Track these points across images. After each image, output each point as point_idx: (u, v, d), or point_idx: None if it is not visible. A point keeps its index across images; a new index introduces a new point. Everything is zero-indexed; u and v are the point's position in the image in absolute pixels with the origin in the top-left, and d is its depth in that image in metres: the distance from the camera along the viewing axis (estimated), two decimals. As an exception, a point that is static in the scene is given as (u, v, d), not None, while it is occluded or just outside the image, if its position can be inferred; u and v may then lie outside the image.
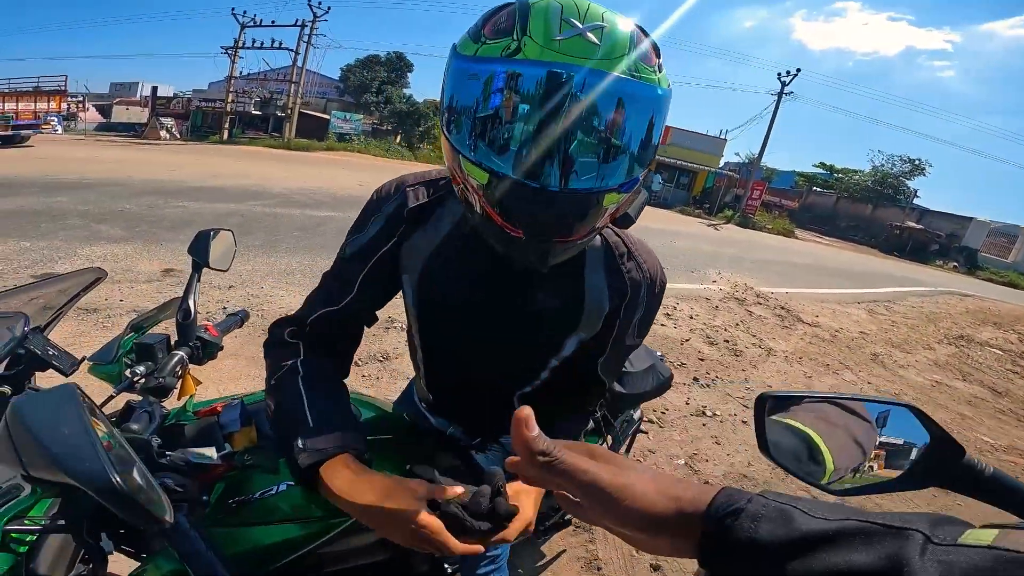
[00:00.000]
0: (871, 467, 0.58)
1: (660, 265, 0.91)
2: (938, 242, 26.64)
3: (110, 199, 7.15)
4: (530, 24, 0.61)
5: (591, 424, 1.09)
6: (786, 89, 23.62)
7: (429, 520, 0.63)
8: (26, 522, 0.65)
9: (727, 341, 5.05)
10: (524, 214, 0.66)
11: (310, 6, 23.25)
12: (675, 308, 5.79)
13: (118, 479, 0.52)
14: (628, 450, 1.90)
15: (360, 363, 3.29)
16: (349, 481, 0.69)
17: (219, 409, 0.92)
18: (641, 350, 1.67)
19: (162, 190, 8.26)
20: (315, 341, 0.87)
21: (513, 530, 0.67)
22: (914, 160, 31.26)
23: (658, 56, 0.67)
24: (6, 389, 0.89)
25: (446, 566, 1.14)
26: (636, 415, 1.78)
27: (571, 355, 0.92)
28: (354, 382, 2.33)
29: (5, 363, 0.85)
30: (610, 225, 0.79)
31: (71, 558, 0.71)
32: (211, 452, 0.82)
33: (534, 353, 0.92)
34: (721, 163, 29.61)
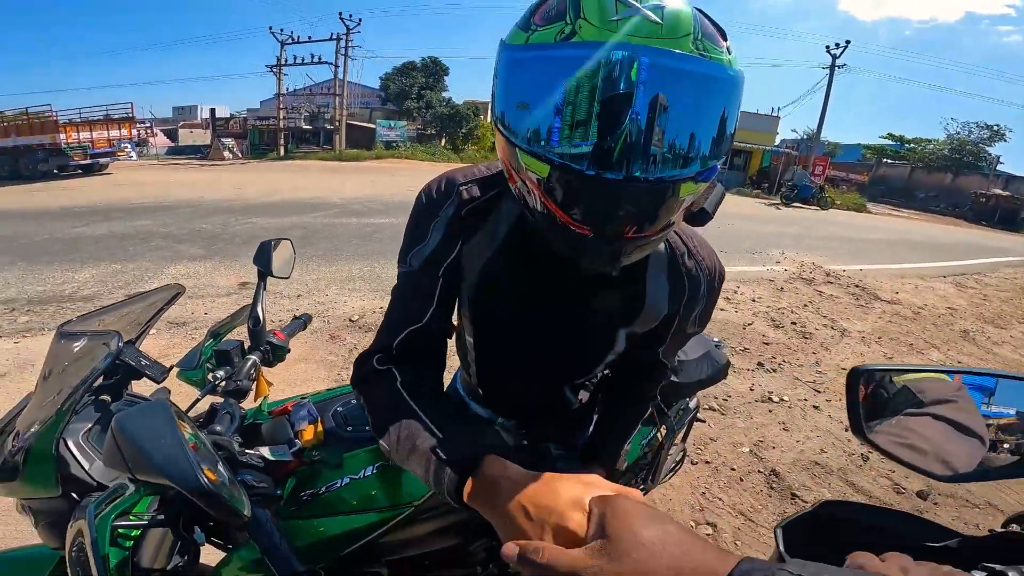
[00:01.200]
0: (987, 449, 0.53)
1: (718, 258, 0.87)
2: (1029, 207, 24.19)
3: (187, 220, 7.72)
4: (583, 5, 0.57)
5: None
6: (838, 62, 22.31)
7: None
8: (131, 518, 0.71)
9: (794, 323, 4.80)
10: (592, 208, 0.59)
11: (342, 19, 24.13)
12: (736, 292, 5.57)
13: (205, 480, 0.60)
14: (685, 438, 1.86)
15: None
16: (505, 483, 0.56)
17: (290, 408, 1.00)
18: (696, 340, 1.62)
19: (231, 208, 8.82)
20: (407, 363, 0.78)
21: None
22: (992, 126, 29.39)
23: (725, 39, 0.61)
24: (106, 397, 1.01)
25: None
26: (692, 404, 1.73)
27: (624, 350, 0.90)
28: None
29: (104, 374, 0.96)
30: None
31: (169, 551, 0.78)
32: (284, 449, 0.90)
33: (589, 351, 0.90)
34: (777, 140, 28.19)
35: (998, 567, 0.47)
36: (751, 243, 8.83)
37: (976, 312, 6.03)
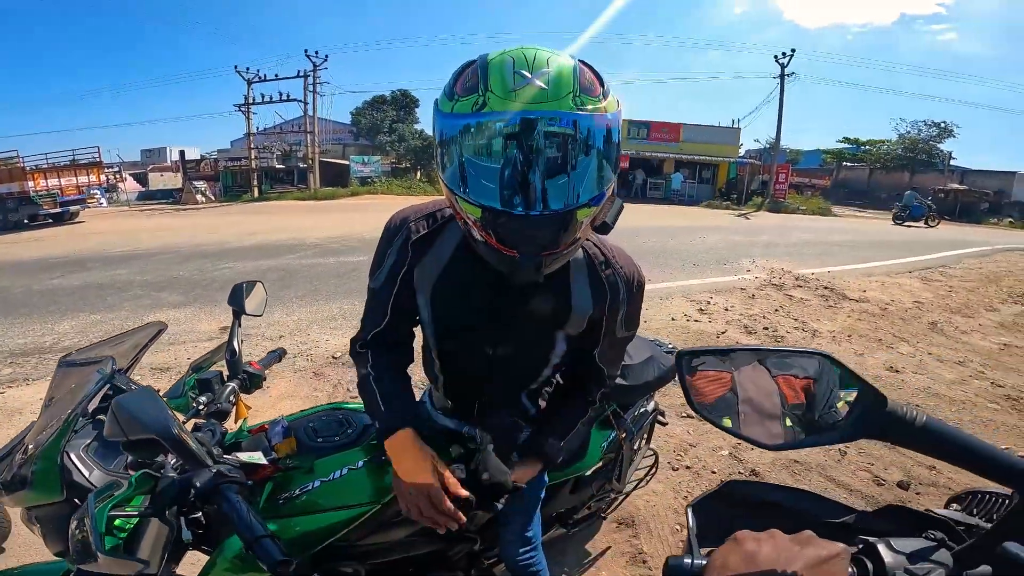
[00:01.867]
0: (801, 419, 0.58)
1: (637, 267, 1.04)
2: (987, 200, 25.31)
3: (164, 267, 7.66)
4: (490, 80, 0.74)
5: (591, 413, 1.18)
6: (787, 70, 23.26)
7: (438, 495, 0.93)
8: (127, 508, 0.84)
9: (767, 328, 4.96)
10: (514, 237, 0.78)
11: (308, 56, 23.96)
12: (709, 303, 5.73)
13: (177, 431, 0.81)
14: (649, 440, 1.92)
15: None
16: (397, 453, 0.98)
17: (266, 427, 1.15)
18: (639, 342, 1.73)
19: (208, 253, 8.77)
20: (376, 348, 1.09)
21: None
22: (939, 123, 30.71)
23: (601, 84, 0.78)
24: (103, 418, 1.14)
25: (483, 560, 1.25)
26: (650, 406, 1.81)
27: (565, 352, 1.07)
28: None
29: (100, 397, 1.12)
30: (589, 237, 0.94)
31: (162, 550, 0.88)
32: (258, 455, 1.03)
33: (532, 352, 1.06)
34: (741, 152, 29.11)
35: (872, 539, 0.53)
36: (722, 254, 9.08)
37: (942, 304, 6.26)
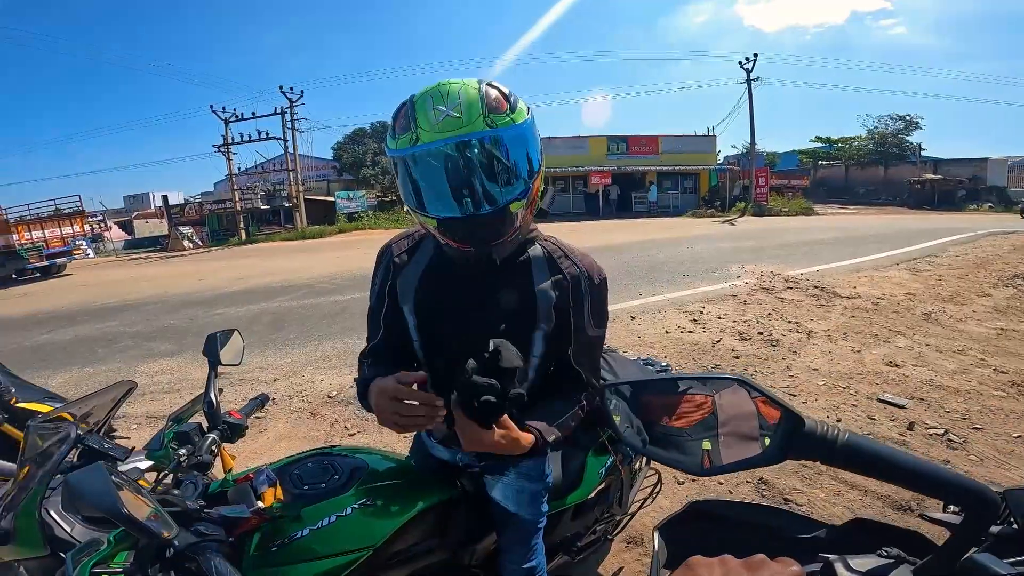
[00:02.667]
0: (727, 444, 0.58)
1: (596, 263, 1.12)
2: (963, 187, 25.87)
3: (154, 317, 7.59)
4: (418, 118, 0.91)
5: (576, 420, 1.16)
6: (752, 75, 23.86)
7: (397, 388, 0.95)
8: (111, 565, 0.83)
9: (761, 333, 4.97)
10: (465, 235, 0.96)
11: (283, 93, 23.91)
12: (702, 312, 5.75)
13: (126, 509, 0.76)
14: (649, 462, 1.91)
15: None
16: (373, 395, 0.99)
17: (251, 476, 1.13)
18: (632, 367, 1.73)
19: (198, 301, 8.70)
20: (376, 359, 1.19)
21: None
22: (904, 116, 31.47)
23: (507, 99, 0.94)
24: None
25: None
26: None
27: (544, 353, 1.11)
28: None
29: (77, 456, 1.15)
30: (548, 237, 1.12)
31: None
32: (241, 507, 1.01)
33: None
34: (720, 159, 29.61)
35: (831, 557, 0.52)
36: (711, 262, 9.17)
37: (934, 293, 6.31)
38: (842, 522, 0.73)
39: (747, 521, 0.78)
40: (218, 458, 1.23)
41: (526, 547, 1.23)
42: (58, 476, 1.08)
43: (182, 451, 1.14)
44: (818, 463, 0.53)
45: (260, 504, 1.04)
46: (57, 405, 2.24)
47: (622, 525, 1.90)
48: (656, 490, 1.97)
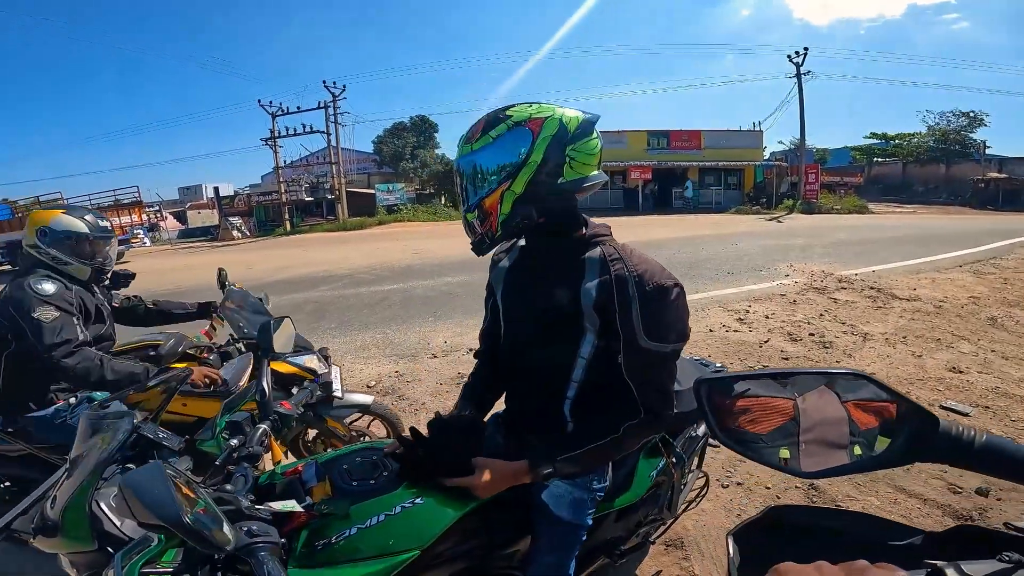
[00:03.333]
0: (842, 445, 0.54)
1: (659, 271, 1.07)
2: (1032, 187, 24.12)
3: (201, 305, 7.89)
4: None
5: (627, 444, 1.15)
6: (803, 69, 22.79)
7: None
8: (158, 566, 0.83)
9: (812, 335, 4.74)
10: (465, 227, 1.17)
11: (326, 87, 24.45)
12: (748, 311, 5.55)
13: (187, 519, 0.73)
14: (700, 464, 1.84)
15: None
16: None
17: (300, 469, 1.13)
18: (687, 366, 1.64)
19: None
20: (481, 356, 1.42)
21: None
22: (968, 113, 29.77)
23: (505, 120, 1.06)
24: (132, 466, 1.17)
25: None
26: (700, 430, 1.72)
27: (593, 355, 1.12)
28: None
29: (130, 445, 1.15)
30: (615, 243, 1.13)
31: None
32: (292, 503, 1.00)
33: (559, 344, 1.14)
34: (766, 154, 28.60)
35: (939, 563, 0.48)
36: (757, 260, 8.84)
37: (999, 297, 5.92)
38: (942, 529, 0.66)
39: (832, 528, 0.71)
40: (267, 451, 1.21)
41: (560, 554, 1.18)
42: (110, 467, 1.09)
43: (234, 441, 1.14)
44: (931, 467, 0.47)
45: (309, 500, 1.03)
46: (302, 358, 2.33)
47: (665, 527, 1.83)
48: (703, 493, 1.89)
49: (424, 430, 1.18)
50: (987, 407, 3.28)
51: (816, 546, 0.50)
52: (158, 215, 24.23)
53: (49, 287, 1.90)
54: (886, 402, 0.52)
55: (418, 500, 1.07)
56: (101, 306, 2.15)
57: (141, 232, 18.26)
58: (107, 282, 2.34)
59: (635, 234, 12.46)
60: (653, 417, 1.09)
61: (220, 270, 2.86)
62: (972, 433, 0.48)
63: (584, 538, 1.21)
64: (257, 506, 0.96)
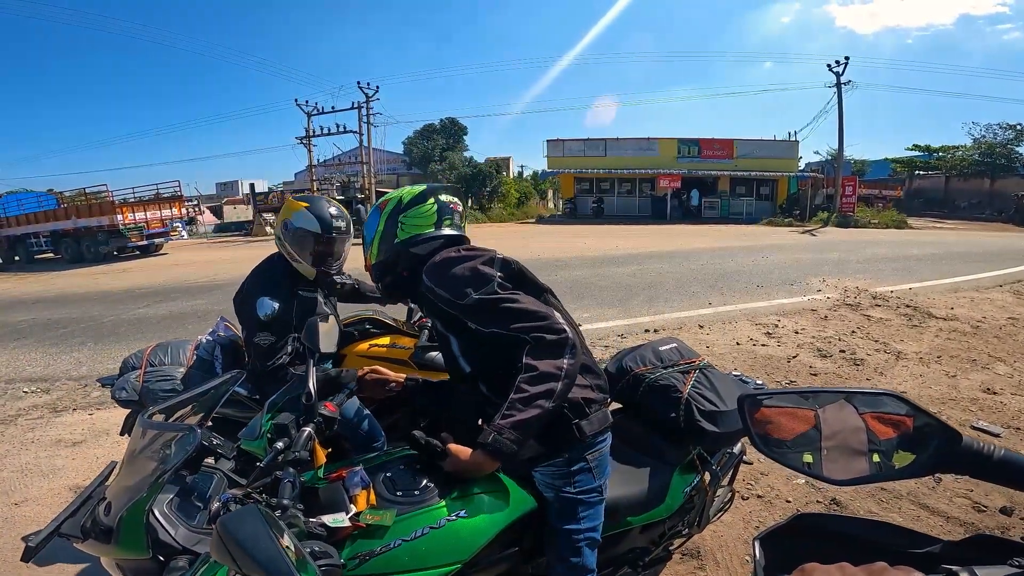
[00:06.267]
0: (872, 456, 0.58)
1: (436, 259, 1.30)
2: (1080, 204, 22.90)
3: (236, 298, 8.15)
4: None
5: (685, 459, 1.27)
6: (844, 78, 22.15)
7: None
8: None
9: (843, 351, 4.66)
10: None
11: (360, 88, 24.87)
12: (777, 325, 5.47)
13: (291, 567, 0.71)
14: (732, 481, 1.85)
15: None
16: None
17: (344, 474, 1.10)
18: (731, 384, 1.65)
19: (276, 283, 9.26)
20: None
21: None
22: (1015, 125, 28.52)
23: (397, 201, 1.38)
24: (183, 472, 1.16)
25: None
26: (736, 449, 1.73)
27: (460, 345, 1.31)
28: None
29: (194, 450, 1.11)
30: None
31: None
32: (342, 516, 0.99)
33: (444, 348, 1.38)
34: (801, 165, 27.89)
35: (956, 568, 0.50)
36: (788, 274, 8.67)
37: (1041, 320, 5.68)
38: (959, 538, 0.70)
39: (855, 535, 0.75)
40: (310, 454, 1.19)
41: (566, 566, 1.20)
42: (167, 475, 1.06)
43: (279, 444, 1.11)
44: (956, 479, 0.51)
45: (353, 508, 1.03)
46: None
47: (686, 539, 1.85)
48: (727, 507, 1.90)
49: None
50: (1019, 428, 3.21)
51: (839, 551, 0.54)
52: (196, 209, 24.80)
53: (272, 305, 1.86)
54: (904, 416, 0.57)
55: (461, 513, 1.07)
56: (325, 305, 2.12)
57: (180, 225, 18.68)
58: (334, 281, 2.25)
59: (656, 243, 12.25)
60: (533, 339, 1.14)
61: None
62: (992, 448, 0.52)
63: (584, 543, 1.21)
64: (310, 519, 0.97)
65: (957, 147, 30.75)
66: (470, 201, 27.85)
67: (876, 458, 0.57)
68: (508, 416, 1.09)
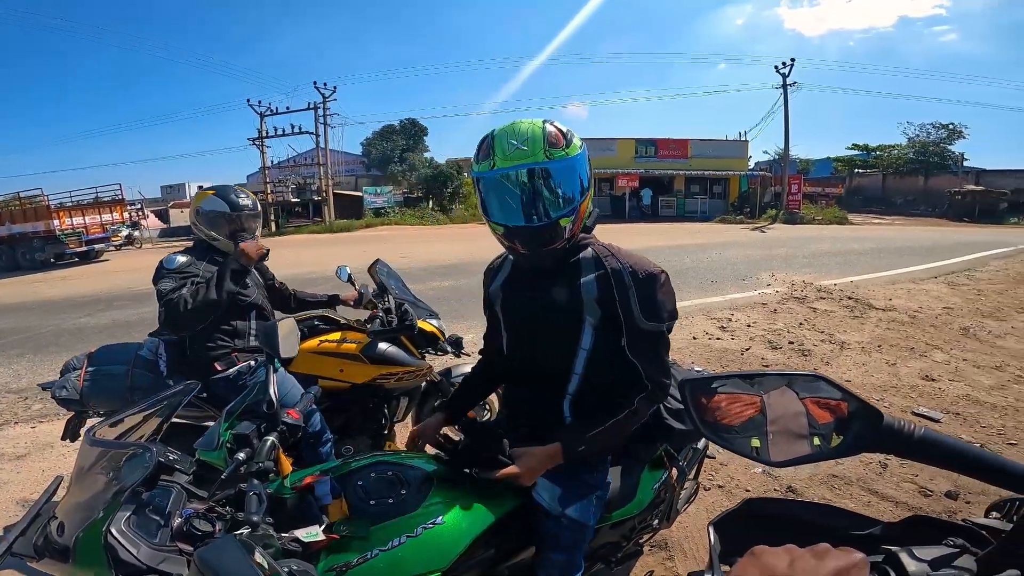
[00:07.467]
0: (802, 437, 0.60)
1: (646, 261, 1.23)
2: (1006, 199, 24.79)
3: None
4: (495, 147, 1.15)
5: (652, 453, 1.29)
6: (789, 79, 23.26)
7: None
8: None
9: (792, 343, 4.87)
10: (522, 242, 1.19)
11: (317, 88, 24.21)
12: (730, 319, 5.66)
13: None
14: (697, 474, 1.90)
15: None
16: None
17: (312, 483, 1.06)
18: (685, 373, 1.70)
19: (228, 290, 8.91)
20: (485, 355, 1.54)
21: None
22: (948, 125, 30.38)
23: (564, 136, 1.16)
24: (140, 488, 1.08)
25: None
26: (701, 444, 1.78)
27: (594, 346, 1.23)
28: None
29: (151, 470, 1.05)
30: (603, 243, 1.27)
31: None
32: (316, 530, 0.95)
33: (562, 339, 1.25)
34: (751, 164, 29.04)
35: (895, 548, 0.54)
36: (740, 269, 9.01)
37: (972, 308, 6.12)
38: (898, 519, 0.74)
39: (802, 518, 0.78)
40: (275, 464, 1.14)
41: (570, 552, 1.22)
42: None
43: (240, 454, 1.06)
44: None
45: (326, 518, 1.00)
46: (435, 322, 2.60)
47: (654, 532, 1.89)
48: (691, 500, 1.95)
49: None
50: (958, 413, 3.40)
51: (787, 534, 0.56)
52: (140, 213, 23.70)
53: (180, 259, 2.06)
54: (839, 401, 0.59)
55: (439, 520, 1.05)
56: (248, 277, 2.21)
57: (122, 230, 17.78)
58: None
59: (623, 242, 12.44)
60: (656, 387, 1.23)
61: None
62: (912, 427, 0.54)
63: (589, 536, 1.25)
64: (283, 535, 0.93)
65: (893, 146, 32.59)
66: (431, 202, 27.57)
67: (816, 441, 0.59)
68: (601, 438, 1.20)
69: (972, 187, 26.19)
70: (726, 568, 0.60)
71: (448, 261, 10.48)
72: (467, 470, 1.16)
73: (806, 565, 0.43)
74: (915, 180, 30.53)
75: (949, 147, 30.49)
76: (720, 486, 2.63)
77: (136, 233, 18.36)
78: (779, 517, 0.80)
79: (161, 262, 2.06)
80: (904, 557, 0.54)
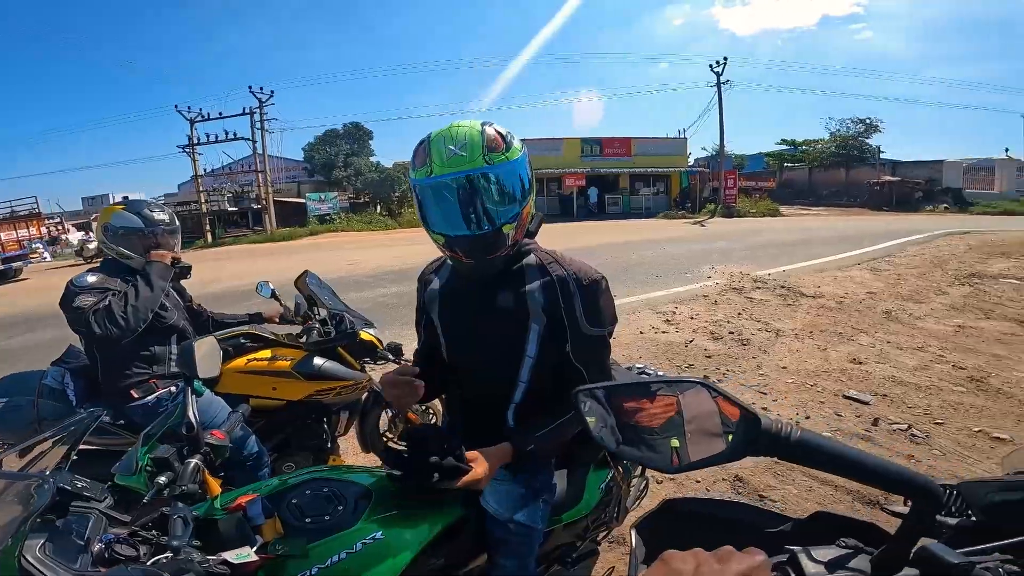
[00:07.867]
0: (727, 437, 0.60)
1: (588, 268, 1.22)
2: (920, 189, 26.97)
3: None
4: (431, 153, 1.10)
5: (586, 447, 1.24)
6: (723, 78, 24.38)
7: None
8: None
9: (732, 333, 5.07)
10: (464, 250, 1.14)
11: (253, 93, 23.22)
12: (674, 312, 5.84)
13: None
14: (643, 472, 1.94)
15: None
16: None
17: (244, 503, 1.02)
18: (623, 372, 1.75)
19: (160, 307, 8.38)
20: (422, 359, 1.42)
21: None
22: (865, 119, 32.48)
23: (504, 139, 1.12)
24: (51, 516, 1.03)
25: None
26: None
27: (539, 353, 1.21)
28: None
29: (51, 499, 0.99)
30: (544, 250, 1.25)
31: None
32: (247, 551, 0.91)
33: (507, 347, 1.22)
34: (691, 161, 30.19)
35: (796, 548, 0.56)
36: (683, 264, 9.33)
37: (894, 292, 6.55)
38: (806, 516, 0.76)
39: (718, 517, 0.81)
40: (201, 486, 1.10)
41: (520, 559, 1.22)
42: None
43: (162, 478, 1.03)
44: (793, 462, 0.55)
45: (259, 539, 0.97)
46: (372, 331, 2.53)
47: (609, 530, 1.92)
48: (643, 495, 1.99)
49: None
50: (885, 395, 3.59)
51: (704, 534, 0.57)
52: (59, 227, 22.03)
53: (90, 278, 1.92)
54: (728, 404, 0.59)
55: (378, 535, 1.03)
56: (167, 299, 2.09)
57: (40, 246, 16.53)
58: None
59: (563, 242, 12.72)
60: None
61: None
62: (789, 430, 0.54)
63: (540, 541, 1.25)
64: (209, 556, 0.89)
65: (818, 141, 34.66)
66: (378, 207, 27.02)
67: (731, 439, 0.58)
68: (550, 438, 1.20)
69: (889, 178, 28.27)
70: (642, 572, 0.60)
71: (396, 267, 10.30)
72: (424, 483, 1.10)
73: (710, 569, 0.45)
74: (838, 173, 32.60)
75: (867, 140, 32.71)
76: (671, 479, 2.70)
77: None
78: (698, 516, 0.82)
79: (70, 282, 1.91)
80: (803, 559, 0.55)
